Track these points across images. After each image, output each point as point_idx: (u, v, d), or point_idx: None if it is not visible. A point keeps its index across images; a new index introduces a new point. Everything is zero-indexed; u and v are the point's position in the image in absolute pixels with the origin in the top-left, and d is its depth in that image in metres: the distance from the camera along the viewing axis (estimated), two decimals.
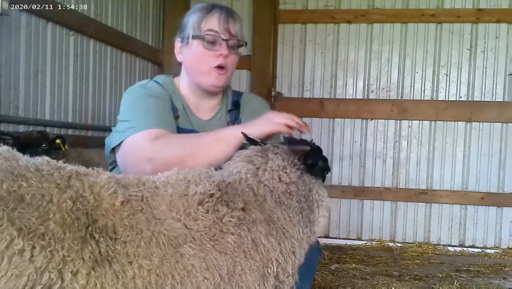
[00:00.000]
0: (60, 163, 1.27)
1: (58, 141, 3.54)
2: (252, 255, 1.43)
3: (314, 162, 1.78)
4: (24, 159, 1.20)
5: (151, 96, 2.14)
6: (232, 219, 1.44)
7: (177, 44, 2.30)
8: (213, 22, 2.17)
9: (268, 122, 1.93)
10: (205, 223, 1.38)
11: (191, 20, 2.23)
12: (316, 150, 1.82)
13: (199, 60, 2.19)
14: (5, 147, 1.21)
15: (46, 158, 1.24)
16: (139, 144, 1.97)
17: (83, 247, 1.11)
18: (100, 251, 1.14)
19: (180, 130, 2.15)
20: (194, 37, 2.19)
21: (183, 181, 1.48)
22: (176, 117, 2.19)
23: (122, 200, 1.27)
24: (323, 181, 1.89)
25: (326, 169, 1.88)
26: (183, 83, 2.32)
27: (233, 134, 1.89)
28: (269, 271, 1.47)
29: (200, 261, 1.31)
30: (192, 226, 1.36)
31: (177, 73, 2.36)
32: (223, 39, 2.16)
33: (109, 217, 1.21)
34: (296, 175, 1.73)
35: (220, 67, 2.18)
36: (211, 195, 1.46)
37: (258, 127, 1.90)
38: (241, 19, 2.27)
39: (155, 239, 1.26)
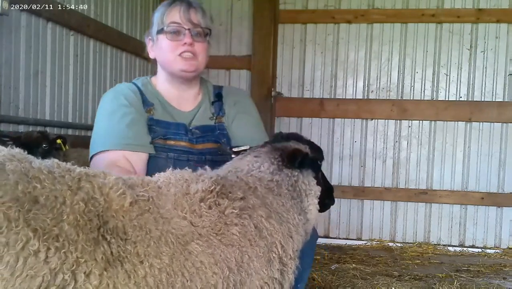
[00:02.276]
0: (69, 165, 1.28)
1: (59, 141, 3.53)
2: (257, 242, 1.48)
3: (293, 161, 1.83)
4: (37, 162, 1.21)
5: (122, 105, 2.24)
6: (234, 210, 1.48)
7: (149, 43, 2.40)
8: (175, 15, 2.26)
9: None
10: (210, 219, 1.42)
11: (155, 17, 2.33)
12: (295, 151, 1.86)
13: (166, 51, 2.29)
14: (17, 149, 1.22)
15: (55, 160, 1.25)
16: (98, 166, 2.12)
17: (96, 248, 1.12)
18: (111, 252, 1.15)
19: (158, 122, 2.27)
20: (158, 32, 2.29)
21: (182, 180, 1.52)
22: (149, 111, 2.28)
23: (130, 201, 1.29)
24: (317, 170, 1.93)
25: (314, 160, 1.92)
26: (159, 79, 2.42)
27: None
28: (273, 255, 1.52)
29: (208, 257, 1.34)
30: (198, 223, 1.39)
31: (155, 72, 2.46)
32: (186, 29, 2.24)
33: (119, 218, 1.23)
34: (274, 168, 1.80)
35: (185, 54, 2.25)
36: (211, 191, 1.50)
37: None
38: (203, 9, 2.34)
39: (163, 238, 1.28)
